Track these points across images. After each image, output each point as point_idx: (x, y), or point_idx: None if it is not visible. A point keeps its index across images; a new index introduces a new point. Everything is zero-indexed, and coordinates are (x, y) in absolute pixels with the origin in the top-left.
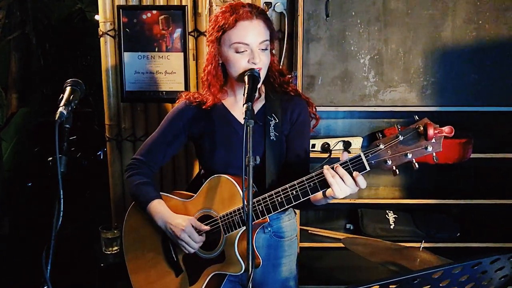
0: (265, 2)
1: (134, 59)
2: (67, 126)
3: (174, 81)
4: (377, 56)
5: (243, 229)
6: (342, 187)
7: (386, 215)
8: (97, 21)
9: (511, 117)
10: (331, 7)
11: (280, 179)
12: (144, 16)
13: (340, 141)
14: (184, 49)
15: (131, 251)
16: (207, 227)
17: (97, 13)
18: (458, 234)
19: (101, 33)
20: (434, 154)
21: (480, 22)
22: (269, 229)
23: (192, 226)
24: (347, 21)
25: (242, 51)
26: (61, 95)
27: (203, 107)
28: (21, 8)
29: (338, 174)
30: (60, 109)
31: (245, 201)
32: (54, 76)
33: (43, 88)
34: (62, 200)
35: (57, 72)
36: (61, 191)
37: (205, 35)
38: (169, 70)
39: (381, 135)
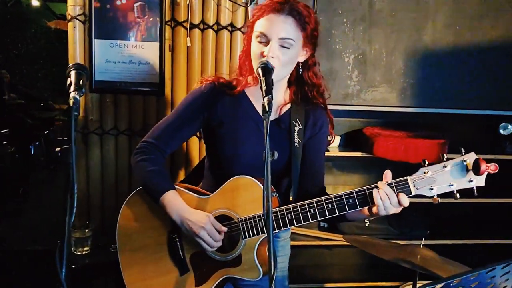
0: None
1: (105, 47)
2: (76, 114)
3: (148, 72)
4: (361, 56)
5: (265, 236)
6: (386, 205)
7: None
8: (33, 6)
9: (484, 120)
10: (319, 4)
11: (302, 187)
12: (118, 2)
13: None
14: (160, 39)
15: (127, 242)
16: (225, 228)
17: None
18: (428, 232)
19: (69, 17)
20: (474, 188)
21: (458, 27)
22: None
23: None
24: (333, 20)
25: (262, 41)
26: (68, 79)
27: (229, 92)
28: None
29: (386, 193)
30: (72, 94)
31: (265, 204)
32: None
33: None
34: (75, 195)
35: None
36: (75, 184)
37: (183, 26)
38: (143, 60)
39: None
